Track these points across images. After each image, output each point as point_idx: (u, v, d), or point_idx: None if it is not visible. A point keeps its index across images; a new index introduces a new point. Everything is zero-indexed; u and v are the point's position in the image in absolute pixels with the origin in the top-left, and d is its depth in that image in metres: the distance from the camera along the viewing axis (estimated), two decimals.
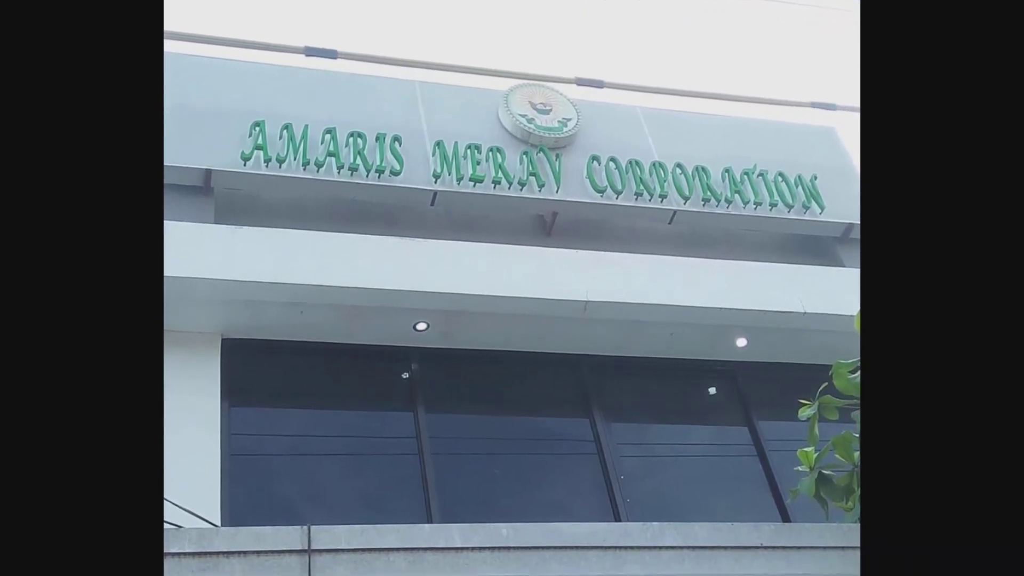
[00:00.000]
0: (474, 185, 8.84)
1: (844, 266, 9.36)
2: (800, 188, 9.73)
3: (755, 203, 9.52)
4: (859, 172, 7.12)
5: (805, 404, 5.02)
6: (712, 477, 8.49)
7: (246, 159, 8.36)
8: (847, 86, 11.51)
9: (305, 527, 3.91)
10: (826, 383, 4.86)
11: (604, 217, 9.43)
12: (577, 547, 4.17)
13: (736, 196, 9.49)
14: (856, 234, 9.53)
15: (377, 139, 8.78)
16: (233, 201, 8.51)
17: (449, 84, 10.00)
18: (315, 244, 7.69)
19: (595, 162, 9.35)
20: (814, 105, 11.18)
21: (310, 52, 9.66)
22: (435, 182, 8.75)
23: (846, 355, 4.74)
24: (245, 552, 3.82)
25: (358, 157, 8.60)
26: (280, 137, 8.56)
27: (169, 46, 8.51)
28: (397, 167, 8.68)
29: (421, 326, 7.97)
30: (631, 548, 4.24)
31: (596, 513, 7.64)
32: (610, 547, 4.22)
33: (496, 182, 8.89)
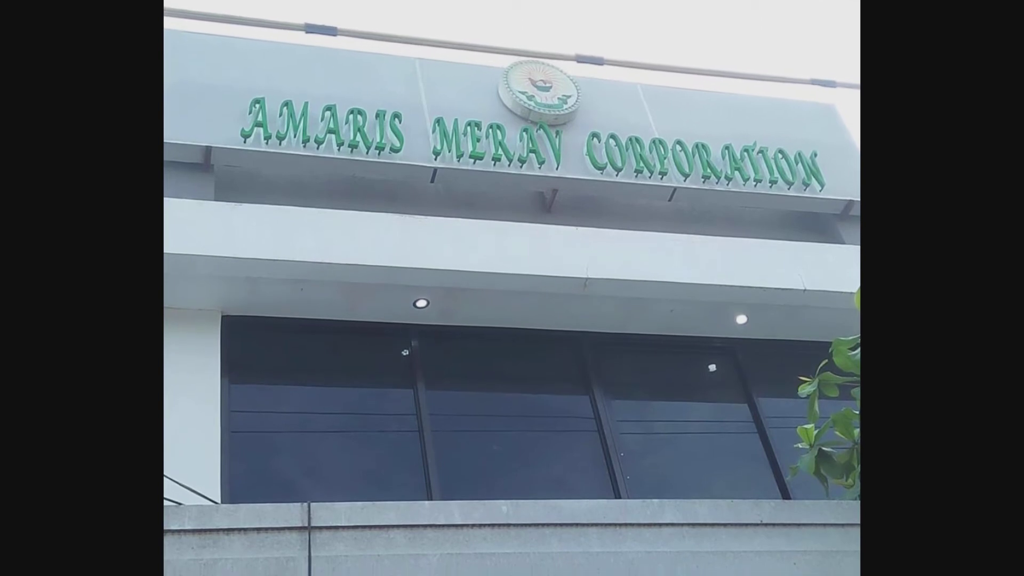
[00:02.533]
0: (474, 162, 8.84)
1: (844, 243, 9.36)
2: (800, 165, 9.73)
3: (755, 180, 9.52)
4: (859, 149, 7.12)
5: (805, 381, 5.00)
6: (712, 454, 8.50)
7: (246, 136, 8.36)
8: (847, 63, 11.49)
9: (305, 504, 3.91)
10: (826, 360, 4.85)
11: (604, 194, 9.42)
12: (577, 524, 4.17)
13: (736, 173, 9.48)
14: (856, 211, 9.54)
15: (377, 116, 8.77)
16: (233, 178, 8.51)
17: (449, 61, 9.99)
18: (315, 221, 7.67)
19: (595, 139, 9.34)
20: (814, 82, 11.18)
21: (310, 29, 9.65)
22: (435, 159, 8.75)
23: (846, 332, 4.72)
24: (245, 529, 3.82)
25: (358, 134, 8.59)
26: (280, 114, 8.55)
27: (169, 23, 8.50)
28: (397, 144, 8.67)
29: (421, 303, 7.97)
30: (631, 525, 4.24)
31: (596, 490, 7.66)
32: (610, 524, 4.21)
33: (496, 159, 8.88)
